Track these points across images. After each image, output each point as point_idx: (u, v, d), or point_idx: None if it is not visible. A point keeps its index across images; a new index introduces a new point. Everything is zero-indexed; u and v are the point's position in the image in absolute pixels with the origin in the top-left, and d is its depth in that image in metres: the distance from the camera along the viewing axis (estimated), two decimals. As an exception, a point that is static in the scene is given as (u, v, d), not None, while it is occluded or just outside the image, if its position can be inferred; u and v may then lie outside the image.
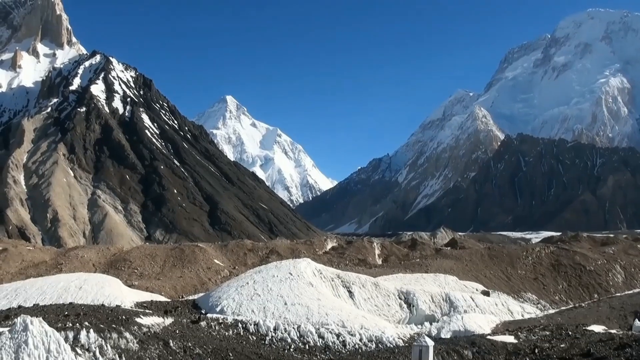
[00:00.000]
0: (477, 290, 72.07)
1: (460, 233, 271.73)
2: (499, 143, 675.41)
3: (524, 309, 67.79)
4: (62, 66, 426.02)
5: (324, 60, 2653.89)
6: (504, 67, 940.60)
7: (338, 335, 40.64)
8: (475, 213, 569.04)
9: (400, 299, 55.51)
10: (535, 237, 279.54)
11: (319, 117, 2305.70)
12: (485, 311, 59.00)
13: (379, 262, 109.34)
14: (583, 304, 76.62)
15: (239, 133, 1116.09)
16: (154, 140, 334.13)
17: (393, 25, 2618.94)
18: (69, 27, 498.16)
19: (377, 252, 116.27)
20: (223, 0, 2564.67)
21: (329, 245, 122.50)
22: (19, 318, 28.71)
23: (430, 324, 51.58)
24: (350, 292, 54.27)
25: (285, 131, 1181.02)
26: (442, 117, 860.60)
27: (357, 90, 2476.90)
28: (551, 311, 72.19)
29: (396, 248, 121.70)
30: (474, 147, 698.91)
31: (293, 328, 40.95)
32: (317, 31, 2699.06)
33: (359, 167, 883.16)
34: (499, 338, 41.66)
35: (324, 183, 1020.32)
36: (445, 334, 48.02)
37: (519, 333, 43.83)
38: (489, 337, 42.64)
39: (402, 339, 41.67)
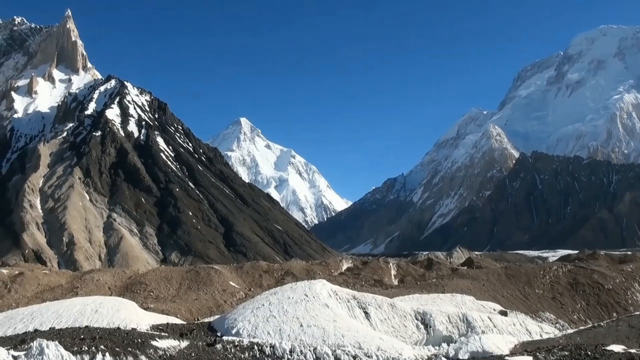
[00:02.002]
0: (494, 310, 71.35)
1: (476, 252, 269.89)
2: (513, 161, 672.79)
3: (542, 329, 66.95)
4: (77, 91, 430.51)
5: (337, 81, 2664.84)
6: (517, 85, 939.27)
7: (355, 357, 40.35)
8: (491, 232, 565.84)
9: (417, 319, 55.07)
10: (552, 255, 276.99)
11: (333, 138, 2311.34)
12: (503, 331, 58.36)
13: (395, 282, 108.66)
14: (602, 323, 75.57)
15: (254, 155, 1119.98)
16: (169, 163, 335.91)
17: (406, 46, 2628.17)
18: (84, 53, 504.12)
19: (393, 272, 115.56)
20: (236, 24, 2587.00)
21: (345, 266, 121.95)
22: (35, 342, 28.79)
23: (448, 345, 51.06)
24: (366, 313, 53.92)
25: (300, 152, 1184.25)
26: (456, 135, 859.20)
27: (370, 110, 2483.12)
28: (570, 331, 71.26)
29: (412, 268, 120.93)
30: (488, 166, 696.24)
31: (309, 350, 40.71)
32: (330, 53, 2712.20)
33: (374, 187, 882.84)
34: (518, 359, 41.21)
35: (339, 203, 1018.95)
36: (463, 355, 47.56)
37: (538, 353, 43.32)
38: (507, 357, 42.20)
39: (419, 360, 41.34)
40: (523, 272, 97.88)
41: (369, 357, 40.60)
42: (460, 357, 46.99)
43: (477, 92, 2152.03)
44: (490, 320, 59.84)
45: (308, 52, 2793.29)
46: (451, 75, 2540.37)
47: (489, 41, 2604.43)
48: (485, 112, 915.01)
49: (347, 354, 40.55)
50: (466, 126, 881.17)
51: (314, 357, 40.11)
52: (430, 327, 54.61)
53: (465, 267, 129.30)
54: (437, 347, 50.61)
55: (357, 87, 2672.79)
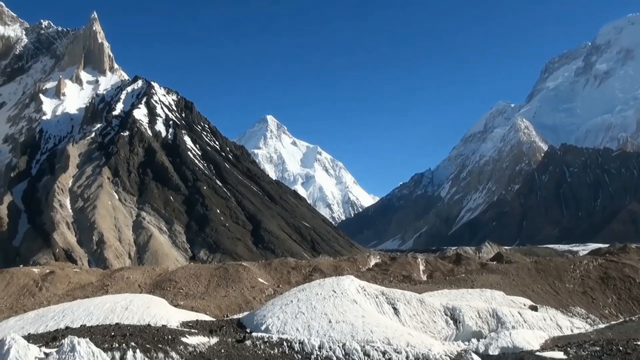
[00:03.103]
0: (524, 305, 70.72)
1: (505, 247, 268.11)
2: (542, 154, 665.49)
3: (573, 324, 66.18)
4: (104, 92, 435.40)
5: (362, 76, 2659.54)
6: (545, 77, 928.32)
7: (384, 353, 40.22)
8: (520, 226, 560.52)
9: (446, 315, 54.77)
10: (583, 249, 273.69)
11: (359, 134, 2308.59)
12: (533, 327, 57.81)
13: (424, 278, 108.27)
14: (633, 318, 74.59)
15: (280, 152, 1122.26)
16: (196, 161, 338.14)
17: (433, 40, 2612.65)
18: (111, 54, 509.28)
19: (421, 268, 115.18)
20: (260, 23, 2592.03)
21: (373, 261, 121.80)
22: (66, 339, 29.06)
23: (478, 340, 50.76)
24: (395, 309, 53.75)
25: (326, 149, 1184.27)
26: (484, 129, 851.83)
27: (397, 106, 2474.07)
28: (601, 326, 70.38)
29: (441, 263, 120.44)
30: (517, 159, 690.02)
31: (338, 346, 40.66)
32: (355, 48, 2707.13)
33: (401, 183, 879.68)
34: (548, 354, 40.82)
35: (366, 199, 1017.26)
36: (493, 351, 47.24)
37: (569, 349, 42.87)
38: (537, 353, 41.83)
39: (449, 356, 41.07)
40: (553, 267, 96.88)
41: (398, 353, 40.46)
42: (491, 352, 46.69)
43: (505, 85, 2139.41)
44: (521, 316, 59.34)
45: (334, 49, 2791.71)
46: (478, 69, 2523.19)
47: (516, 34, 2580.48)
48: (512, 105, 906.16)
49: (376, 349, 40.45)
50: (494, 120, 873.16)
51: (343, 353, 40.07)
52: (459, 322, 54.30)
53: (494, 262, 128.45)
54: (466, 343, 50.35)
55: (383, 83, 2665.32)
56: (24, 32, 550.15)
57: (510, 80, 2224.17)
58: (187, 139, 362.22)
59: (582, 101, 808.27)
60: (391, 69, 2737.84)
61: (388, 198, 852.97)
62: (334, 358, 39.58)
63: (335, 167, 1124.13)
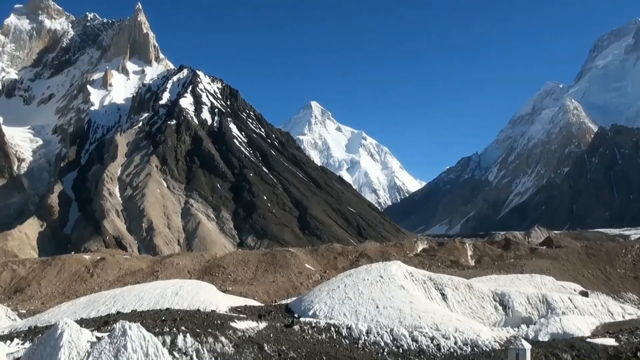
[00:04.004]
0: (575, 290, 69.66)
1: (555, 231, 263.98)
2: (592, 135, 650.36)
3: (625, 310, 64.84)
4: (151, 82, 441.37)
5: (407, 61, 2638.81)
6: (594, 55, 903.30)
7: (432, 339, 40.05)
8: (570, 210, 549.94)
9: (495, 301, 54.24)
10: (635, 233, 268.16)
11: (405, 119, 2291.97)
12: (584, 313, 56.89)
13: (472, 263, 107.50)
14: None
15: (325, 138, 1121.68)
16: (242, 148, 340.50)
17: (478, 22, 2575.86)
18: (156, 45, 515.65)
19: (469, 253, 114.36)
20: (306, 10, 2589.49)
21: (420, 247, 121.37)
22: (117, 323, 29.61)
23: (527, 326, 50.16)
24: (443, 294, 53.44)
25: (371, 134, 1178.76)
26: (532, 111, 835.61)
27: (443, 89, 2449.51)
28: (655, 311, 68.87)
29: (489, 248, 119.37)
30: (566, 141, 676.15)
31: (386, 332, 40.61)
32: (399, 33, 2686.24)
33: (448, 167, 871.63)
34: (599, 341, 40.07)
35: (412, 184, 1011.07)
36: (543, 337, 46.61)
37: (620, 335, 42.02)
38: (588, 339, 41.11)
39: (498, 342, 40.69)
40: (604, 251, 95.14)
41: (446, 338, 40.23)
42: (540, 338, 46.10)
43: (553, 65, 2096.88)
44: (571, 301, 58.44)
45: (377, 36, 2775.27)
46: (526, 50, 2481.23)
47: (563, 11, 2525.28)
48: (561, 86, 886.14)
49: (424, 335, 40.28)
50: (542, 101, 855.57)
51: (391, 338, 40.01)
52: (508, 308, 53.75)
53: (544, 247, 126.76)
54: (516, 329, 49.82)
55: (429, 66, 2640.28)
56: (70, 25, 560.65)
57: (559, 60, 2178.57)
58: (232, 126, 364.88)
59: (632, 80, 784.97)
60: (438, 52, 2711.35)
61: (435, 182, 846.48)
62: (382, 343, 39.55)
63: (381, 152, 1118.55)
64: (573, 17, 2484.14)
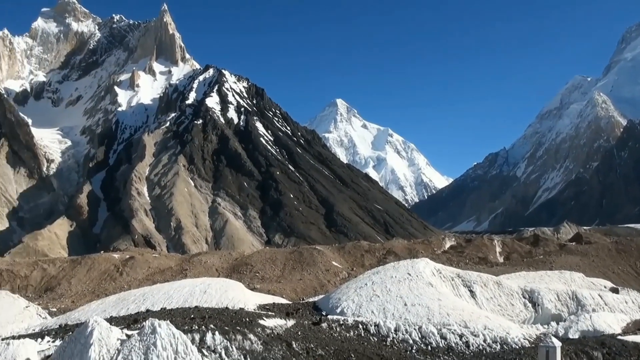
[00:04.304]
0: (605, 287, 68.79)
1: (585, 227, 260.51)
2: (621, 129, 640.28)
3: (658, 306, 63.88)
4: (177, 82, 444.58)
5: (433, 56, 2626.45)
6: (622, 47, 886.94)
7: (461, 336, 39.84)
8: (600, 205, 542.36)
9: (524, 297, 53.79)
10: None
11: (431, 115, 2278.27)
12: (614, 309, 56.18)
13: (500, 260, 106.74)
14: None
15: (351, 135, 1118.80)
16: (268, 147, 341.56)
17: (504, 15, 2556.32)
18: (182, 45, 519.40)
19: (498, 249, 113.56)
20: (329, 8, 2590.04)
21: (447, 244, 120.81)
22: (147, 321, 29.92)
23: (557, 323, 49.70)
24: (471, 291, 53.13)
25: (397, 131, 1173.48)
26: (560, 105, 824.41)
27: (469, 84, 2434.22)
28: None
29: (518, 245, 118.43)
30: (595, 136, 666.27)
31: (414, 329, 40.50)
32: (425, 31, 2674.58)
33: (475, 163, 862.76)
34: (630, 338, 39.61)
35: (439, 181, 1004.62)
36: (573, 334, 46.16)
37: (653, 331, 41.47)
38: (619, 337, 40.65)
39: (527, 339, 40.34)
40: (634, 247, 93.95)
41: (475, 336, 39.99)
42: (571, 336, 45.65)
43: (581, 59, 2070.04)
44: (601, 298, 57.77)
45: (402, 33, 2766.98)
46: (553, 43, 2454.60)
47: (590, 4, 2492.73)
48: (589, 79, 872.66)
49: (453, 332, 40.10)
50: (570, 95, 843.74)
51: (420, 336, 39.89)
52: (538, 305, 53.28)
53: (573, 243, 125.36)
54: (545, 326, 49.41)
55: (455, 62, 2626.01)
56: (96, 27, 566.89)
57: (587, 53, 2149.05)
58: (259, 125, 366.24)
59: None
60: (463, 48, 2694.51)
61: (462, 179, 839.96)
62: (410, 341, 39.45)
63: (407, 149, 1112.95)
64: (600, 9, 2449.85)
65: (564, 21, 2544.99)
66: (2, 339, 35.97)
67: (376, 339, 39.58)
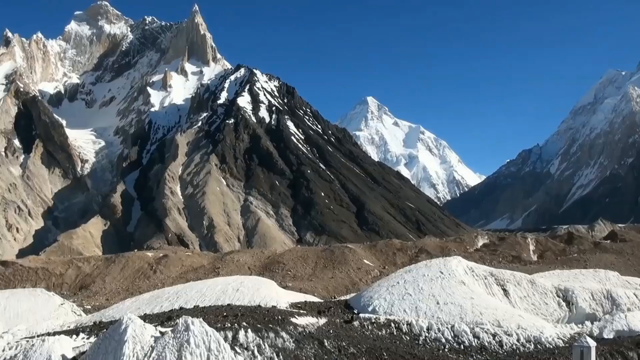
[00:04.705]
0: (641, 285, 67.72)
1: (620, 225, 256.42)
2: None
3: (695, 305, 62.68)
4: (209, 82, 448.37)
5: (463, 52, 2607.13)
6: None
7: (494, 335, 39.59)
8: (635, 202, 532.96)
9: (558, 296, 53.15)
10: None
11: (463, 112, 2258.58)
12: (651, 308, 55.24)
13: (534, 258, 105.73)
14: None
15: (382, 133, 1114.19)
16: (299, 145, 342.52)
17: (536, 9, 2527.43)
18: (213, 45, 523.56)
19: (531, 247, 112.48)
20: (359, 5, 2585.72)
21: (480, 242, 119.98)
22: (180, 319, 30.27)
23: (592, 323, 49.01)
24: (505, 290, 52.67)
25: (429, 128, 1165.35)
26: (594, 100, 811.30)
27: (501, 80, 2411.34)
28: None
29: (551, 243, 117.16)
30: (630, 131, 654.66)
31: (447, 328, 40.36)
32: (454, 29, 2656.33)
33: (508, 160, 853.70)
34: (668, 337, 38.99)
35: (472, 178, 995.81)
36: (608, 334, 45.52)
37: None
38: (657, 336, 40.03)
39: (561, 339, 39.95)
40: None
41: (508, 335, 39.72)
42: (605, 336, 45.04)
43: (614, 52, 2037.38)
44: (637, 297, 56.80)
45: (431, 30, 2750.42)
46: (585, 37, 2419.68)
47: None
48: (623, 73, 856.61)
49: (486, 332, 39.88)
50: (604, 89, 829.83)
51: (452, 335, 39.75)
52: (572, 304, 52.60)
53: (608, 241, 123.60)
54: (579, 326, 48.77)
55: (485, 58, 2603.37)
56: (129, 29, 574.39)
57: (621, 46, 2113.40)
58: (290, 123, 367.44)
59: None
60: (492, 44, 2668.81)
61: (495, 176, 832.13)
62: (443, 340, 39.33)
63: (439, 146, 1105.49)
64: (634, 0, 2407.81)
65: (597, 15, 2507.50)
66: (38, 336, 36.72)
67: (408, 338, 39.51)
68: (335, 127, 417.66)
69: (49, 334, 36.82)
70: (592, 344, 31.52)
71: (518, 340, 39.14)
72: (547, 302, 52.45)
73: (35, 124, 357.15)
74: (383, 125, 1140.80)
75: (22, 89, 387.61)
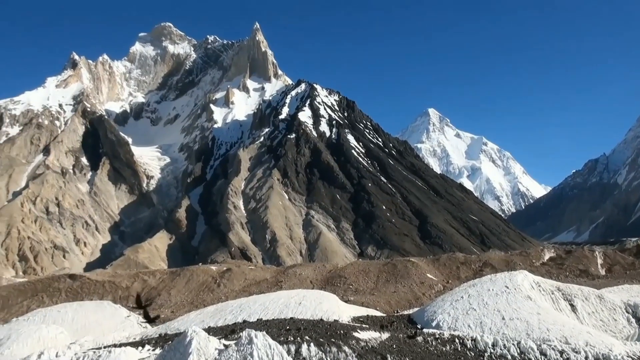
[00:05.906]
0: None
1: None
2: None
3: None
4: (270, 98, 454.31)
5: (528, 63, 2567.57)
6: None
7: (562, 353, 38.65)
8: None
9: (627, 312, 51.55)
10: None
11: (526, 122, 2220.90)
12: None
13: (602, 272, 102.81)
14: None
15: (444, 145, 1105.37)
16: (360, 159, 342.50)
17: (597, 21, 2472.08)
18: (274, 62, 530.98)
19: (599, 261, 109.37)
20: (417, 20, 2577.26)
21: (547, 255, 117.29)
22: (244, 332, 30.58)
23: (664, 339, 47.40)
24: (572, 305, 51.41)
25: (491, 139, 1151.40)
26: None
27: (565, 89, 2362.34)
28: None
29: (620, 256, 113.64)
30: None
31: (513, 344, 39.61)
32: (519, 37, 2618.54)
33: (574, 170, 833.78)
34: None
35: (537, 190, 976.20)
36: (682, 351, 43.90)
37: None
38: None
39: (631, 357, 38.70)
40: None
41: (576, 352, 38.74)
42: (680, 352, 43.46)
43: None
44: None
45: (494, 40, 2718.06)
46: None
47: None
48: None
49: (553, 349, 38.99)
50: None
51: (518, 351, 39.01)
52: (643, 320, 50.99)
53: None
54: (651, 342, 47.25)
55: (550, 65, 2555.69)
56: (192, 49, 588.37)
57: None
58: (350, 137, 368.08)
59: None
60: (559, 55, 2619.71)
61: (560, 187, 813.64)
62: (509, 356, 38.64)
63: (503, 158, 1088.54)
64: None
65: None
66: (104, 347, 37.62)
67: (473, 354, 38.94)
68: (396, 140, 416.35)
69: (115, 346, 37.65)
70: (665, 362, 30.53)
71: (586, 357, 38.12)
72: (616, 318, 50.97)
73: (102, 142, 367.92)
74: (445, 137, 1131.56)
75: (89, 109, 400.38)
